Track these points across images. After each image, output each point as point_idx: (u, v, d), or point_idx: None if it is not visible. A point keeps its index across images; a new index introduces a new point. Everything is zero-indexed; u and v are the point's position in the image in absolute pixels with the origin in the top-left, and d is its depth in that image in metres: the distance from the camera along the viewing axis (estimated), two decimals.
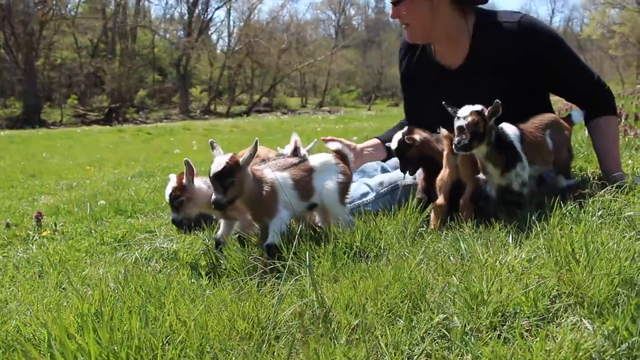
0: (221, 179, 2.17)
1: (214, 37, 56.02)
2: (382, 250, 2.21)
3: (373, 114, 33.72)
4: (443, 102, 2.46)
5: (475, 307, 1.56)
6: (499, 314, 1.53)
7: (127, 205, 4.48)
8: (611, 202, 2.34)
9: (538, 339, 1.36)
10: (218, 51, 53.71)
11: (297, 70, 52.48)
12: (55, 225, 3.82)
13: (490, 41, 2.91)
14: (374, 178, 3.14)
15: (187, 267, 2.38)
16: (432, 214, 2.58)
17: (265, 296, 1.83)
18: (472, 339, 1.43)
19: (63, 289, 2.36)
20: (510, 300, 1.56)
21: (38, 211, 4.01)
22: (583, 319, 1.48)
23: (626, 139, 4.36)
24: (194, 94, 48.79)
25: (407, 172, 2.82)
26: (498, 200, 2.49)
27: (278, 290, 1.83)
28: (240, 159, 2.22)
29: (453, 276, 1.79)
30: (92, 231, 3.57)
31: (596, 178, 2.92)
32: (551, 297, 1.60)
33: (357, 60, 61.57)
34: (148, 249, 2.79)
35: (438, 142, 2.83)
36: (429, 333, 1.49)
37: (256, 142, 2.27)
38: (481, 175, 2.48)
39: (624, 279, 1.57)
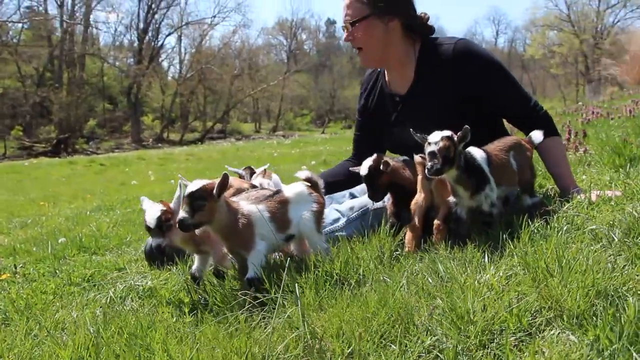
0: (192, 199, 2.17)
1: (165, 64, 55.59)
2: (361, 276, 2.24)
3: (327, 137, 33.99)
4: (411, 130, 2.53)
5: (462, 327, 1.61)
6: (487, 332, 1.58)
7: (90, 241, 4.39)
8: (574, 217, 2.45)
9: (527, 353, 1.41)
10: (169, 78, 53.31)
11: (250, 95, 52.61)
12: (15, 267, 3.69)
13: (431, 66, 3.03)
14: (344, 203, 3.18)
15: (167, 304, 2.34)
16: (406, 237, 2.63)
17: (255, 330, 1.83)
18: (465, 358, 1.47)
19: (34, 336, 2.26)
20: (496, 318, 1.61)
21: None
22: (565, 331, 1.54)
23: (577, 155, 4.54)
24: (146, 123, 48.17)
25: (376, 199, 2.88)
26: (468, 222, 2.57)
27: (266, 323, 1.84)
28: (214, 188, 2.22)
29: (438, 298, 1.84)
30: (57, 271, 3.45)
31: (556, 194, 3.04)
32: (532, 312, 1.66)
33: (310, 84, 62.18)
34: (122, 287, 2.72)
35: (405, 166, 2.91)
36: (421, 355, 1.53)
37: (225, 175, 2.27)
38: (451, 198, 2.55)
39: (598, 290, 1.65)
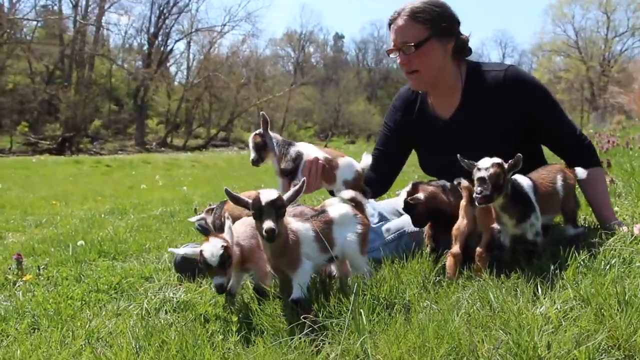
0: (276, 208, 2.12)
1: (173, 69, 55.62)
2: (407, 302, 2.20)
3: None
4: (458, 155, 2.50)
5: None
6: None
7: (109, 246, 4.35)
8: (622, 250, 2.41)
9: None
10: (176, 83, 53.40)
11: (256, 105, 52.55)
12: (39, 269, 3.66)
13: (479, 91, 3.01)
14: (381, 225, 3.14)
15: (205, 320, 2.29)
16: (447, 263, 2.60)
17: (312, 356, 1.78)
18: None
19: (67, 344, 2.22)
20: (568, 356, 1.57)
21: (18, 252, 3.83)
22: None
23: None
24: (150, 126, 48.17)
25: (418, 225, 2.86)
26: (511, 250, 2.54)
27: (318, 349, 1.79)
28: (285, 197, 2.20)
29: (493, 329, 1.80)
30: (82, 276, 3.42)
31: (592, 226, 3.01)
32: (600, 350, 1.62)
33: (315, 97, 62.25)
34: (155, 298, 2.68)
35: (444, 190, 2.88)
36: None
37: (303, 182, 2.25)
38: (496, 225, 2.52)
39: None
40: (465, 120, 3.05)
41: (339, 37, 76.73)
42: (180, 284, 2.92)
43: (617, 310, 1.78)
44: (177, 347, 1.90)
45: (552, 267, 2.26)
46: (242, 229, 2.46)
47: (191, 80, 49.32)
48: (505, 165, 2.37)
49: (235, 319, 2.02)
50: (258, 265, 2.43)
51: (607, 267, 2.23)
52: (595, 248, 2.47)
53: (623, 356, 1.59)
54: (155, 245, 4.34)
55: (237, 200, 2.21)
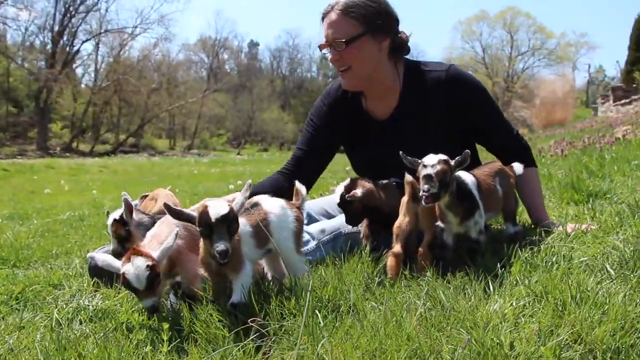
0: (229, 223, 1.89)
1: (80, 70, 52.82)
2: (352, 304, 2.06)
3: (245, 158, 33.67)
4: (400, 152, 2.40)
5: None
6: None
7: (8, 253, 3.93)
8: (562, 248, 2.40)
9: None
10: (83, 86, 50.84)
11: (167, 111, 51.23)
12: None
13: (419, 91, 2.92)
14: (314, 225, 3.00)
15: (128, 330, 2.03)
16: (389, 263, 2.48)
17: None
18: None
19: None
20: (534, 352, 1.49)
21: None
22: None
23: None
24: (54, 130, 45.48)
25: (353, 224, 2.76)
26: (454, 249, 2.47)
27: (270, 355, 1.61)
28: (235, 208, 1.97)
29: (455, 329, 1.70)
30: None
31: (527, 225, 3.02)
32: (562, 346, 1.55)
33: (228, 104, 61.63)
34: (67, 307, 2.37)
35: (381, 188, 2.78)
36: None
37: (249, 185, 2.05)
38: (439, 223, 2.44)
39: (632, 325, 1.57)
40: (402, 121, 2.96)
41: (253, 45, 76.60)
42: (96, 291, 2.63)
43: (574, 305, 1.73)
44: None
45: (498, 265, 2.21)
46: (166, 231, 2.20)
47: (99, 83, 47.15)
48: (452, 162, 2.30)
49: (166, 326, 1.78)
50: (187, 268, 2.19)
51: (550, 264, 2.20)
52: (536, 246, 2.46)
53: (585, 350, 1.53)
54: (64, 251, 3.98)
55: (180, 215, 1.95)
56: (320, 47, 2.91)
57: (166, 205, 1.94)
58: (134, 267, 1.91)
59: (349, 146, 3.25)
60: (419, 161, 2.34)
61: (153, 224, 2.40)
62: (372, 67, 2.87)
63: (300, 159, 3.19)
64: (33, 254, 3.93)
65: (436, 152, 2.34)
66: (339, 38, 2.78)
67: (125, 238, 2.49)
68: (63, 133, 46.20)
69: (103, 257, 2.07)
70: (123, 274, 1.93)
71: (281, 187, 2.98)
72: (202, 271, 2.14)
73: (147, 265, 1.92)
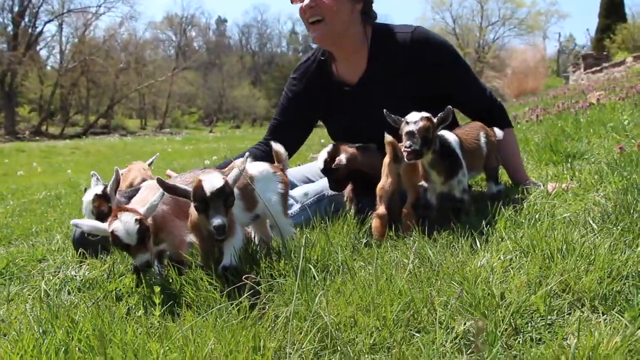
0: (225, 197, 1.86)
1: (44, 52, 51.21)
2: (340, 264, 2.07)
3: (219, 135, 33.39)
4: (384, 110, 2.40)
5: (488, 313, 1.49)
6: (517, 316, 1.47)
7: None
8: (545, 205, 2.44)
9: (581, 334, 1.31)
10: (49, 68, 49.45)
11: (137, 91, 50.33)
12: None
13: (386, 53, 2.90)
14: (297, 189, 3.00)
15: (117, 299, 2.01)
16: (374, 224, 2.49)
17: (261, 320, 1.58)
18: (500, 343, 1.36)
19: None
20: (524, 301, 1.51)
21: None
22: (594, 314, 1.48)
23: None
24: (22, 114, 44.34)
25: (338, 189, 2.75)
26: (438, 208, 2.49)
27: (260, 314, 1.61)
28: (230, 181, 1.93)
29: (447, 283, 1.72)
30: None
31: (507, 184, 3.05)
32: (552, 295, 1.58)
33: (198, 82, 60.83)
34: (54, 279, 2.34)
35: (365, 152, 2.79)
36: (456, 343, 1.39)
37: (247, 157, 2.05)
38: (423, 183, 2.46)
39: (618, 272, 1.61)
40: (372, 84, 2.93)
41: (221, 21, 75.59)
42: (81, 262, 2.59)
43: (561, 257, 1.76)
44: (91, 325, 1.63)
45: (483, 223, 2.24)
46: (148, 196, 2.17)
47: (65, 64, 45.87)
48: (435, 120, 2.30)
49: (157, 289, 1.76)
50: (173, 233, 2.16)
51: (534, 221, 2.23)
52: (518, 204, 2.49)
53: (574, 299, 1.56)
54: (44, 228, 3.91)
55: (174, 190, 1.91)
56: (293, 0, 2.87)
57: (159, 180, 1.90)
58: (122, 223, 1.87)
59: (324, 115, 3.23)
60: (402, 119, 2.34)
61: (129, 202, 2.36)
62: (344, 25, 2.83)
63: (276, 128, 3.19)
64: (12, 232, 3.86)
65: (406, 114, 2.34)
66: None
67: (107, 215, 2.35)
68: (31, 117, 45.08)
69: (88, 222, 2.03)
70: (112, 232, 1.88)
71: (258, 157, 2.94)
72: (190, 236, 2.12)
73: (136, 219, 1.88)
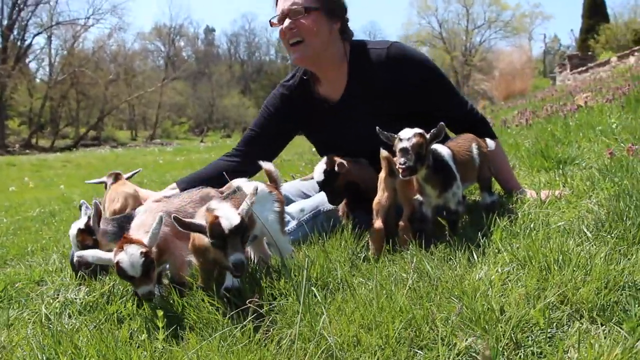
0: (242, 233, 1.85)
1: (33, 65, 51.02)
2: (340, 281, 2.09)
3: (210, 145, 33.35)
4: (377, 128, 2.43)
5: (489, 328, 1.52)
6: (518, 330, 1.50)
7: None
8: (539, 214, 2.47)
9: (582, 347, 1.34)
10: (38, 80, 49.26)
11: (126, 102, 50.21)
12: None
13: (362, 70, 2.92)
14: (293, 205, 3.02)
15: (119, 322, 2.02)
16: (370, 239, 2.52)
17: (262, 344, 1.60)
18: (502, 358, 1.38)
19: None
20: (524, 315, 1.54)
21: None
22: (593, 325, 1.51)
23: None
24: (11, 127, 44.11)
25: (336, 202, 2.79)
26: (433, 220, 2.52)
27: (263, 336, 1.62)
28: (242, 214, 1.92)
29: (446, 298, 1.74)
30: None
31: (499, 193, 3.09)
32: (550, 307, 1.61)
33: (188, 92, 60.81)
34: (55, 302, 2.35)
35: (358, 166, 2.83)
36: (459, 359, 1.42)
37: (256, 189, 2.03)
38: (418, 197, 2.48)
39: (615, 283, 1.64)
40: (353, 101, 2.95)
41: (209, 31, 75.57)
42: (80, 284, 2.60)
43: (558, 268, 1.79)
44: (95, 351, 1.64)
45: (479, 235, 2.26)
46: (150, 219, 2.18)
47: (55, 77, 45.73)
48: (427, 135, 2.33)
49: (160, 313, 1.78)
50: (174, 255, 2.18)
51: (529, 231, 2.26)
52: (513, 214, 2.52)
53: (572, 310, 1.59)
54: (39, 247, 3.91)
55: (189, 227, 1.91)
56: (272, 24, 2.92)
57: (176, 219, 1.88)
58: (128, 256, 1.88)
59: (306, 132, 3.28)
60: (395, 135, 2.37)
61: (120, 229, 2.37)
62: (323, 45, 2.87)
63: (252, 139, 3.18)
64: (8, 252, 3.86)
65: (393, 132, 2.37)
66: (297, 4, 2.80)
67: (92, 247, 2.36)
68: (21, 130, 44.86)
69: (93, 252, 2.03)
70: (117, 263, 1.89)
71: (226, 168, 2.98)
72: (190, 258, 2.13)
73: (141, 252, 1.89)
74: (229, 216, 1.84)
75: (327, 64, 2.95)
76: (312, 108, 3.07)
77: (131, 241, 1.93)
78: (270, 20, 2.95)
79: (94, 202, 2.44)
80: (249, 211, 1.97)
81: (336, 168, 2.65)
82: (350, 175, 2.75)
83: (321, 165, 2.73)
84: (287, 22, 2.83)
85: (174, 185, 3.06)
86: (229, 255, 1.80)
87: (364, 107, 2.90)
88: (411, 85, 2.83)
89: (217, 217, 1.84)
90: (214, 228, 1.83)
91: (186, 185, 2.93)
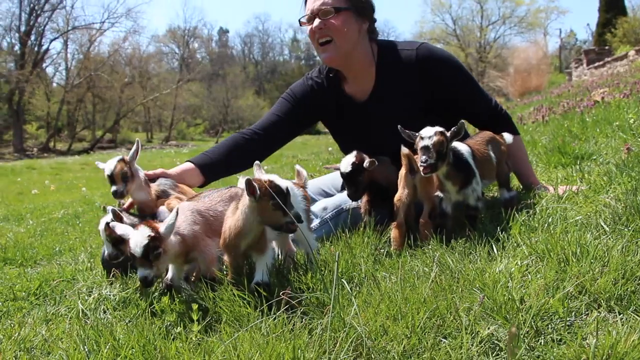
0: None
1: (50, 69, 51.65)
2: (364, 275, 2.17)
3: None
4: (399, 126, 2.50)
5: (509, 317, 1.59)
6: (538, 319, 1.57)
7: (13, 252, 3.98)
8: (557, 209, 2.53)
9: (600, 334, 1.41)
10: (55, 85, 49.85)
11: (142, 104, 50.60)
12: None
13: (392, 71, 3.01)
14: (317, 204, 3.10)
15: (152, 316, 2.11)
16: (392, 235, 2.60)
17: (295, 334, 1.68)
18: (523, 345, 1.45)
19: None
20: (544, 305, 1.61)
21: None
22: (611, 314, 1.57)
23: None
24: (30, 131, 44.79)
25: (356, 197, 2.84)
26: (454, 216, 2.59)
27: (292, 328, 1.71)
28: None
29: (472, 289, 1.81)
30: None
31: (519, 189, 3.15)
32: (569, 297, 1.67)
33: (203, 93, 61.04)
34: (90, 298, 2.45)
35: (382, 164, 2.89)
36: (482, 347, 1.49)
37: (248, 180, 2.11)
38: (438, 193, 2.55)
39: (632, 273, 1.70)
40: (380, 101, 3.04)
41: (223, 32, 75.98)
42: (111, 282, 2.70)
43: (576, 260, 1.85)
44: (135, 343, 1.74)
45: (498, 229, 2.33)
46: (182, 217, 2.28)
47: (71, 81, 46.21)
48: (448, 134, 2.40)
49: (195, 307, 1.87)
50: (204, 252, 2.27)
51: (547, 225, 2.32)
52: (531, 209, 2.58)
53: (590, 300, 1.66)
54: (67, 248, 4.03)
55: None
56: (301, 23, 3.01)
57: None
58: (137, 234, 2.01)
59: (333, 130, 3.37)
60: (416, 134, 2.44)
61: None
62: (352, 45, 2.96)
63: (271, 123, 3.24)
64: (37, 253, 3.98)
65: (418, 129, 2.45)
66: (327, 5, 2.88)
67: (120, 241, 2.48)
68: (39, 134, 45.48)
69: (121, 227, 2.16)
70: (128, 239, 2.03)
71: (245, 148, 3.10)
72: (221, 254, 2.22)
73: (148, 235, 2.00)
74: (282, 180, 2.02)
75: (356, 63, 3.04)
76: (338, 105, 3.17)
77: (148, 224, 2.05)
78: (299, 20, 3.04)
79: (110, 209, 2.54)
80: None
81: (365, 164, 2.69)
82: (375, 173, 2.81)
83: (350, 158, 2.76)
84: (316, 21, 2.92)
85: (189, 164, 3.06)
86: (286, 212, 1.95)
87: (391, 107, 3.00)
88: (438, 84, 2.94)
89: (271, 181, 1.99)
90: (273, 187, 1.96)
91: (196, 162, 3.04)
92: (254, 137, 3.18)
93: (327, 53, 2.97)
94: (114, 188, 2.65)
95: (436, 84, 2.94)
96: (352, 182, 2.77)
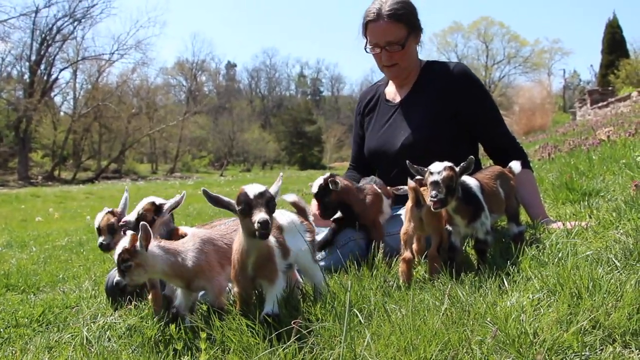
0: (266, 200, 1.97)
1: (58, 99, 52.04)
2: (373, 308, 2.14)
3: (230, 179, 33.61)
4: (407, 162, 2.52)
5: (523, 351, 1.56)
6: (552, 353, 1.54)
7: (16, 279, 3.96)
8: (567, 244, 2.51)
9: None
10: (62, 114, 50.29)
11: (148, 135, 50.94)
12: None
13: (428, 78, 3.27)
14: (323, 233, 3.09)
15: (156, 344, 2.08)
16: (400, 269, 2.57)
17: None
18: None
19: None
20: (558, 338, 1.58)
21: None
22: (626, 349, 1.55)
23: None
24: (35, 159, 45.00)
25: (326, 216, 2.96)
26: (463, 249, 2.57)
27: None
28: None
29: (479, 324, 1.79)
30: None
31: (528, 223, 3.13)
32: (583, 332, 1.65)
33: (209, 126, 61.54)
34: (95, 326, 2.43)
35: (359, 191, 2.95)
36: None
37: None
38: (447, 227, 2.54)
39: None
40: (412, 102, 3.27)
41: (231, 66, 76.83)
42: (115, 309, 2.68)
43: (588, 294, 1.83)
44: None
45: (508, 263, 2.32)
46: (190, 243, 2.27)
47: (79, 110, 46.65)
48: (457, 169, 2.41)
49: (203, 335, 1.84)
50: (211, 282, 2.25)
51: (557, 259, 2.30)
52: (540, 243, 2.56)
53: (604, 335, 1.63)
54: (71, 275, 4.01)
55: (217, 201, 2.04)
56: (375, 54, 3.25)
57: (204, 191, 2.06)
58: (122, 242, 2.14)
59: (367, 131, 3.58)
60: (425, 169, 2.45)
61: None
62: (414, 63, 3.29)
63: (359, 147, 3.64)
64: (41, 280, 3.96)
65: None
66: (393, 42, 3.13)
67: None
68: (44, 162, 45.70)
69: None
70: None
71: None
72: (230, 285, 2.20)
73: (123, 247, 2.09)
74: (254, 186, 2.02)
75: (409, 72, 3.33)
76: (378, 107, 3.48)
77: (131, 237, 2.10)
78: (371, 50, 3.24)
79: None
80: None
81: (330, 185, 2.85)
82: (348, 196, 2.94)
83: (319, 180, 2.92)
84: (384, 55, 3.20)
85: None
86: (253, 215, 1.94)
87: (422, 110, 3.21)
88: (467, 99, 3.15)
89: (243, 188, 2.03)
90: (241, 195, 1.99)
91: None
92: (355, 171, 3.64)
93: (392, 73, 3.34)
94: (100, 240, 2.69)
95: (464, 100, 3.15)
96: (321, 201, 2.92)
